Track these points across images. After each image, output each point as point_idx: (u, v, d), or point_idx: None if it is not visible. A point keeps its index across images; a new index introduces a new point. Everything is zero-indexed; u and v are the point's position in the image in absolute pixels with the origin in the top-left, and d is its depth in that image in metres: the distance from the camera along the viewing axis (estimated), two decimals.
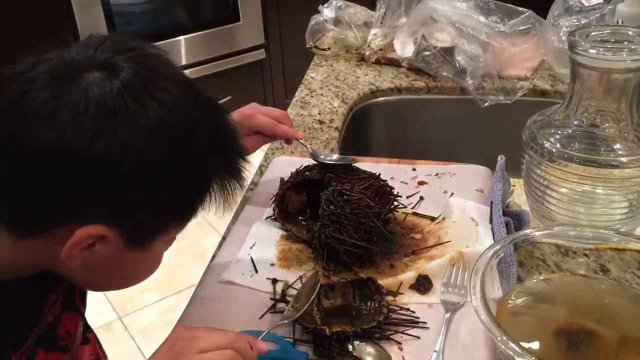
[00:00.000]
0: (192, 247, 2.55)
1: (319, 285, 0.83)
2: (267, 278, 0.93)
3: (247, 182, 1.12)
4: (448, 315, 0.85)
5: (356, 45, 1.69)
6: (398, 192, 1.02)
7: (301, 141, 1.10)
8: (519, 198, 1.13)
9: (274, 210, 1.05)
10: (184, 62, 3.01)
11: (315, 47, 1.71)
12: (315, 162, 1.06)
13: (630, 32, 0.96)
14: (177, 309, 1.75)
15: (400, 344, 0.82)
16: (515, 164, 1.07)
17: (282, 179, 1.06)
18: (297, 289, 0.90)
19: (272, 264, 0.96)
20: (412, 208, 1.08)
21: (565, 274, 0.93)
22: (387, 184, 1.02)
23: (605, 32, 0.97)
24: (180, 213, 0.67)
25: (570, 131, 0.98)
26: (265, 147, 1.27)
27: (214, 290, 0.92)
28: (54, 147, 0.57)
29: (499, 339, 0.71)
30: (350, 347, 0.80)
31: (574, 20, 1.44)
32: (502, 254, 0.85)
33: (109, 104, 0.58)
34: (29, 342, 0.67)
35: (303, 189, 1.06)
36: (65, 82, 0.59)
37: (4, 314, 0.66)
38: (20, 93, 0.59)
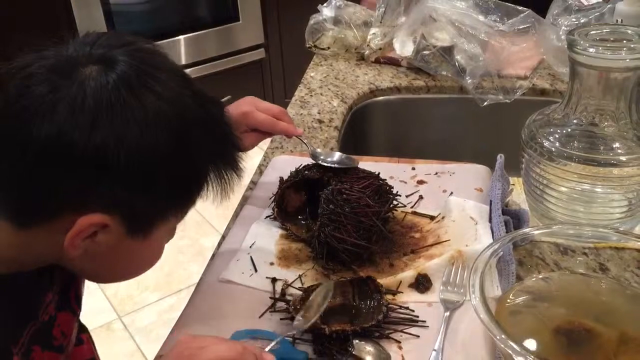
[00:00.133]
0: (192, 247, 2.56)
1: (329, 296, 0.82)
2: (267, 277, 0.93)
3: (247, 181, 1.13)
4: (447, 314, 0.85)
5: (356, 45, 1.69)
6: (397, 191, 1.03)
7: (302, 139, 1.10)
8: (518, 197, 1.14)
9: (273, 209, 1.05)
10: (183, 61, 3.01)
11: (315, 46, 1.71)
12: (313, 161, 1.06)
13: (629, 31, 0.96)
14: (177, 309, 1.75)
15: (400, 342, 0.82)
16: (515, 163, 1.07)
17: (281, 178, 1.06)
18: (296, 288, 0.90)
19: (272, 263, 0.96)
20: (412, 207, 1.08)
21: (564, 273, 0.93)
22: (386, 183, 1.02)
23: (605, 31, 0.98)
24: (179, 201, 0.69)
25: (569, 130, 0.98)
26: (264, 147, 1.27)
27: (214, 289, 0.92)
28: (54, 140, 0.58)
29: (498, 337, 0.71)
30: (349, 346, 0.80)
31: (573, 19, 1.44)
32: (502, 253, 0.85)
33: (105, 96, 0.60)
34: (24, 337, 0.67)
35: (302, 188, 1.06)
36: (63, 77, 0.60)
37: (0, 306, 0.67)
38: (20, 88, 0.60)
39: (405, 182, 1.15)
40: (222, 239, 1.04)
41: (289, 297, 0.89)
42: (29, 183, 0.61)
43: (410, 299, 0.89)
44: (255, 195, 1.13)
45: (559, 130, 0.99)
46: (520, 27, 1.45)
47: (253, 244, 1.00)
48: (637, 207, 0.99)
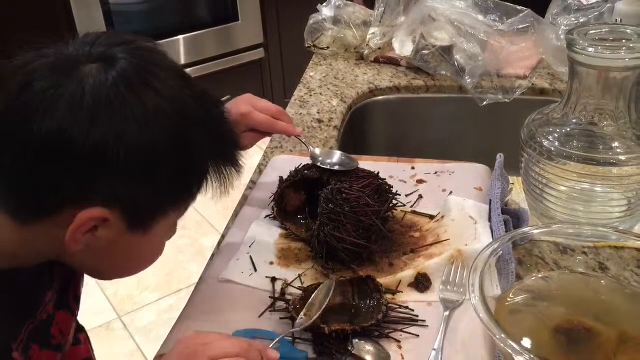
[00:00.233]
0: (192, 246, 2.56)
1: (330, 294, 0.82)
2: (267, 277, 0.93)
3: (246, 181, 1.13)
4: (447, 313, 0.86)
5: (355, 44, 1.69)
6: (397, 191, 1.03)
7: (301, 139, 1.10)
8: (518, 196, 1.14)
9: (273, 209, 1.05)
10: (183, 61, 3.01)
11: (314, 46, 1.71)
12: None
13: (628, 31, 0.96)
14: (177, 308, 1.75)
15: (399, 342, 0.82)
16: (514, 163, 1.07)
17: (281, 178, 1.06)
18: (295, 287, 0.90)
19: (272, 263, 0.96)
20: (411, 206, 1.08)
21: (564, 272, 0.94)
22: (386, 182, 1.02)
23: (604, 30, 0.98)
24: (179, 196, 0.69)
25: (568, 129, 0.98)
26: (264, 146, 1.27)
27: (214, 289, 0.92)
28: (54, 136, 0.59)
29: (497, 337, 0.71)
30: (349, 345, 0.80)
31: (573, 19, 1.44)
32: (501, 252, 0.85)
33: (104, 94, 0.60)
34: (23, 334, 0.67)
35: (302, 187, 1.06)
36: (63, 74, 0.61)
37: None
38: (21, 85, 0.61)
39: (405, 182, 1.15)
40: (221, 239, 1.04)
41: (288, 297, 0.89)
42: (30, 179, 0.62)
43: (410, 298, 0.89)
44: (255, 195, 1.13)
45: (558, 130, 0.99)
46: (520, 26, 1.45)
47: (253, 243, 1.00)
48: (637, 206, 0.99)
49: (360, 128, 1.52)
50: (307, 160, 1.08)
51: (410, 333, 0.83)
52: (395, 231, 1.02)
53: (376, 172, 1.03)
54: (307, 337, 0.83)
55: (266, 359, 0.72)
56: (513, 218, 1.00)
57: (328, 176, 1.01)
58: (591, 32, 0.96)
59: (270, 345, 0.76)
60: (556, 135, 0.98)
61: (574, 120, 0.98)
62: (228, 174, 0.72)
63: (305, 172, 1.04)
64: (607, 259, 0.94)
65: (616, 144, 0.96)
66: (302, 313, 0.81)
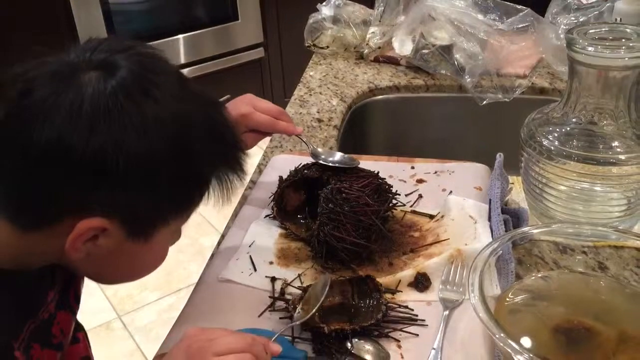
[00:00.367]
0: (191, 246, 2.56)
1: (327, 288, 0.82)
2: (266, 276, 0.93)
3: (246, 180, 1.13)
4: (446, 312, 0.86)
5: (355, 44, 1.69)
6: (397, 190, 1.03)
7: (301, 138, 1.10)
8: (518, 196, 1.14)
9: (272, 208, 1.05)
10: (182, 60, 3.01)
11: (314, 45, 1.71)
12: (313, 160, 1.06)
13: (628, 30, 0.96)
14: (177, 308, 1.75)
15: (399, 341, 0.82)
16: (514, 162, 1.07)
17: (280, 178, 1.06)
18: (295, 287, 0.90)
19: (271, 262, 0.96)
20: (411, 206, 1.08)
21: (563, 272, 0.94)
22: (385, 182, 1.02)
23: (603, 29, 0.98)
24: (180, 205, 0.69)
25: (568, 129, 0.98)
26: (264, 146, 1.27)
27: (213, 288, 0.92)
28: (53, 144, 0.59)
29: (497, 336, 0.71)
30: (349, 344, 0.80)
31: (572, 18, 1.44)
32: (501, 252, 0.85)
33: (103, 102, 0.60)
34: (24, 334, 0.67)
35: (302, 187, 1.06)
36: (63, 82, 0.61)
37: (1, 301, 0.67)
38: (21, 93, 0.61)
39: (405, 181, 1.15)
40: (221, 238, 1.04)
41: (288, 296, 0.89)
42: (29, 186, 0.62)
43: (409, 297, 0.89)
44: (255, 195, 1.13)
45: (558, 129, 0.99)
46: (519, 25, 1.45)
47: (252, 243, 1.00)
48: (636, 205, 0.99)
49: (359, 127, 1.52)
50: (307, 160, 1.08)
51: (409, 332, 0.83)
52: (395, 231, 1.02)
53: (376, 172, 1.03)
54: (306, 337, 0.83)
55: (270, 352, 0.72)
56: (513, 217, 1.00)
57: (328, 176, 1.01)
58: (591, 31, 0.96)
59: (272, 339, 0.75)
60: (556, 135, 0.98)
61: (573, 120, 0.98)
62: (230, 181, 0.72)
63: (305, 171, 1.04)
64: (606, 259, 0.94)
65: (616, 143, 0.96)
66: (298, 307, 0.81)
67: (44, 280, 0.73)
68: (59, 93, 0.60)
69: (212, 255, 1.00)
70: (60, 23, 2.63)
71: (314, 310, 0.79)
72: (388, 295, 0.88)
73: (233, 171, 0.72)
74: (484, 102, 1.41)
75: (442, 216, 1.03)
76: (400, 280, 0.91)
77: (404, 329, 0.84)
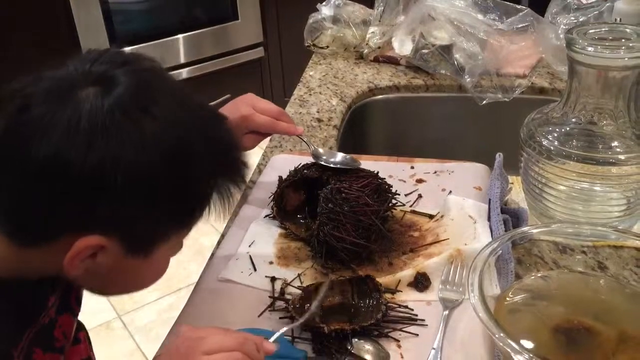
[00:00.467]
0: (191, 246, 2.55)
1: (323, 292, 0.82)
2: (266, 276, 0.93)
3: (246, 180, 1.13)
4: (446, 312, 0.86)
5: (354, 44, 1.69)
6: (396, 190, 1.03)
7: (302, 138, 1.10)
8: (517, 195, 1.14)
9: (272, 208, 1.05)
10: (182, 60, 3.01)
11: (314, 45, 1.71)
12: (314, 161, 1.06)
13: (627, 30, 0.96)
14: (177, 307, 1.75)
15: (399, 341, 0.82)
16: (514, 162, 1.07)
17: (280, 177, 1.06)
18: (295, 287, 0.90)
19: (271, 262, 0.96)
20: (411, 206, 1.08)
21: (563, 271, 0.94)
22: (385, 182, 1.02)
23: (603, 29, 0.98)
24: (179, 221, 0.68)
25: (568, 129, 0.98)
26: (263, 146, 1.27)
27: (213, 288, 0.92)
28: (51, 160, 0.59)
29: (497, 336, 0.71)
30: (348, 344, 0.80)
31: (572, 18, 1.44)
32: (500, 252, 0.85)
33: (100, 119, 0.59)
34: (24, 341, 0.67)
35: (301, 187, 1.06)
36: (60, 99, 0.60)
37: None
38: (19, 109, 0.61)
39: (404, 181, 1.15)
40: (221, 238, 1.04)
41: (288, 296, 0.89)
42: (28, 203, 0.61)
43: (409, 297, 0.89)
44: (254, 195, 1.13)
45: (557, 129, 0.99)
46: (519, 25, 1.45)
47: (252, 243, 1.00)
48: (636, 205, 0.99)
49: (359, 127, 1.52)
50: (306, 160, 1.08)
51: (409, 332, 0.83)
52: (395, 230, 1.02)
53: (375, 172, 1.03)
54: (306, 337, 0.83)
55: (263, 351, 0.72)
56: (512, 217, 1.00)
57: (327, 175, 1.01)
58: (590, 31, 0.96)
59: (271, 339, 0.75)
60: (555, 135, 0.98)
61: (573, 120, 0.98)
62: (231, 194, 0.71)
63: (305, 171, 1.04)
64: (606, 258, 0.94)
65: (615, 143, 0.96)
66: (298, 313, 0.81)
67: (43, 287, 0.72)
68: (57, 110, 0.59)
69: (212, 255, 1.00)
70: (60, 23, 2.63)
71: (306, 315, 0.78)
72: (388, 295, 0.88)
73: (234, 183, 0.71)
74: (484, 102, 1.41)
75: (442, 216, 1.03)
76: (400, 280, 0.91)
77: (403, 329, 0.84)
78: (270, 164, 1.22)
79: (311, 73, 1.63)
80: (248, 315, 0.87)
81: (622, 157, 0.94)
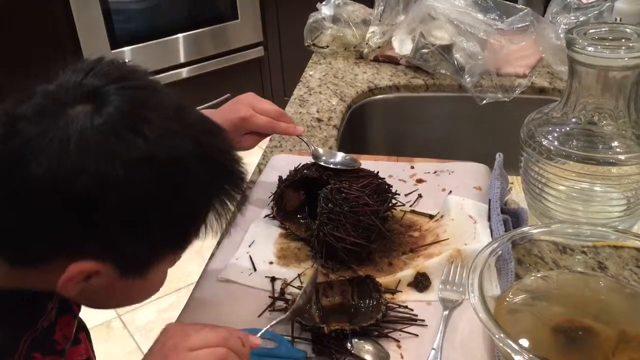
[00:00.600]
0: (191, 246, 2.56)
1: (314, 281, 0.82)
2: (266, 276, 0.93)
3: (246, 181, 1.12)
4: (446, 312, 0.86)
5: (354, 43, 1.68)
6: (396, 190, 1.03)
7: (302, 138, 1.10)
8: (517, 196, 1.14)
9: (272, 208, 1.05)
10: (182, 60, 3.01)
11: (314, 45, 1.71)
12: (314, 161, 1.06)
13: (628, 30, 0.96)
14: (176, 307, 1.75)
15: (399, 341, 0.82)
16: (514, 162, 1.07)
17: (280, 177, 1.06)
18: (295, 287, 0.90)
19: (271, 262, 0.96)
20: (411, 206, 1.08)
21: (563, 272, 0.94)
22: (385, 181, 1.02)
23: (603, 29, 0.97)
24: (174, 242, 0.67)
25: (568, 129, 0.98)
26: (263, 146, 1.27)
27: (213, 288, 0.92)
28: (40, 184, 0.57)
29: (497, 336, 0.71)
30: (348, 344, 0.80)
31: (572, 18, 1.44)
32: (500, 252, 0.85)
33: (90, 140, 0.58)
34: (22, 347, 0.67)
35: (301, 187, 1.06)
36: (49, 119, 0.59)
37: None
38: (7, 131, 0.59)
39: (404, 181, 1.15)
40: (221, 238, 1.04)
41: (288, 296, 0.89)
42: (19, 227, 0.60)
43: (409, 297, 0.89)
44: (255, 195, 1.13)
45: (557, 129, 0.99)
46: (519, 25, 1.45)
47: (252, 243, 1.00)
48: (636, 205, 0.99)
49: (359, 127, 1.52)
50: (306, 160, 1.08)
51: (409, 332, 0.83)
52: (395, 231, 1.02)
53: (375, 172, 1.03)
54: (306, 337, 0.83)
55: (248, 345, 0.71)
56: (512, 217, 1.00)
57: (327, 176, 1.01)
58: (590, 31, 0.96)
59: (263, 344, 0.75)
60: (555, 135, 0.98)
61: (573, 120, 0.98)
62: (227, 211, 0.69)
63: (305, 171, 1.04)
64: (606, 259, 0.94)
65: (615, 143, 0.96)
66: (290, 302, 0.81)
67: (42, 294, 0.71)
68: (47, 130, 0.58)
69: (212, 255, 1.00)
70: (60, 23, 2.63)
71: (295, 305, 0.78)
72: (388, 295, 0.88)
73: (231, 198, 0.69)
74: (484, 102, 1.41)
75: (442, 216, 1.03)
76: (400, 280, 0.91)
77: (403, 329, 0.84)
78: (270, 164, 1.22)
79: (311, 73, 1.62)
80: (248, 315, 0.87)
81: (622, 157, 0.94)
